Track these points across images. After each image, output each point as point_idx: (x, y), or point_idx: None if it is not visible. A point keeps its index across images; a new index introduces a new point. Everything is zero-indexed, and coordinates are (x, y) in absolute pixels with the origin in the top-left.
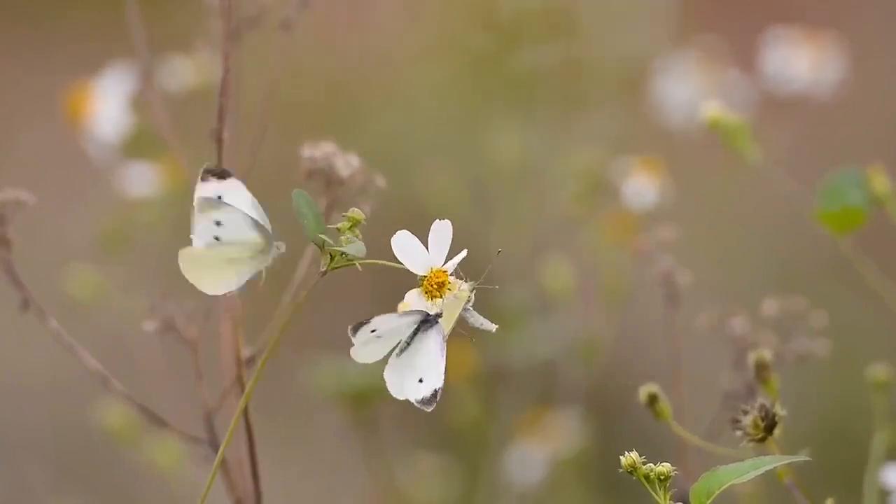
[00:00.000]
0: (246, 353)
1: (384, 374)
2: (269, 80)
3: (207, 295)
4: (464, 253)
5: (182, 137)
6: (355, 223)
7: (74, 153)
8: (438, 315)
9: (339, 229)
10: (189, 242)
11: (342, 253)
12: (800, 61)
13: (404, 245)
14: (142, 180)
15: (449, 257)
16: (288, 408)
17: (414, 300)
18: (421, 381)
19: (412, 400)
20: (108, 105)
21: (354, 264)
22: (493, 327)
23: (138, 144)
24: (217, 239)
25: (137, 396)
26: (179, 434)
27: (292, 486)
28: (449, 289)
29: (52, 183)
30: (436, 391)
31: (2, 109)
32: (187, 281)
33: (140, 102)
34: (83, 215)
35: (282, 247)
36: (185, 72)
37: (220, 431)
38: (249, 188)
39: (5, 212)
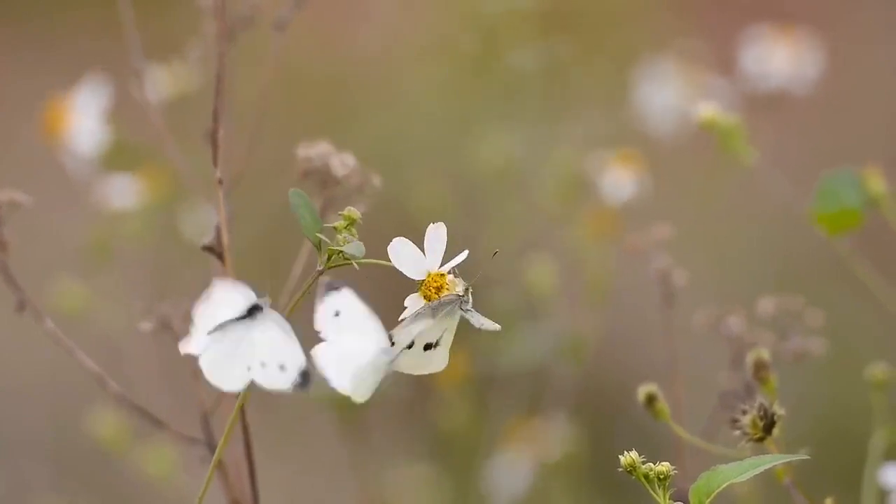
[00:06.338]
0: None
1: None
2: (263, 80)
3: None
4: (464, 254)
5: (173, 140)
6: (351, 222)
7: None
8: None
9: (335, 228)
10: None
11: (339, 252)
12: (777, 57)
13: (400, 252)
14: (124, 192)
15: (447, 259)
16: (282, 408)
17: (413, 304)
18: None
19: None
20: (84, 119)
21: (351, 263)
22: (496, 327)
23: (119, 155)
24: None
25: (133, 399)
26: (176, 435)
27: (287, 486)
28: (447, 290)
29: (47, 185)
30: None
31: None
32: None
33: (123, 111)
34: (76, 218)
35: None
36: (176, 74)
37: (216, 432)
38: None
39: (1, 213)
